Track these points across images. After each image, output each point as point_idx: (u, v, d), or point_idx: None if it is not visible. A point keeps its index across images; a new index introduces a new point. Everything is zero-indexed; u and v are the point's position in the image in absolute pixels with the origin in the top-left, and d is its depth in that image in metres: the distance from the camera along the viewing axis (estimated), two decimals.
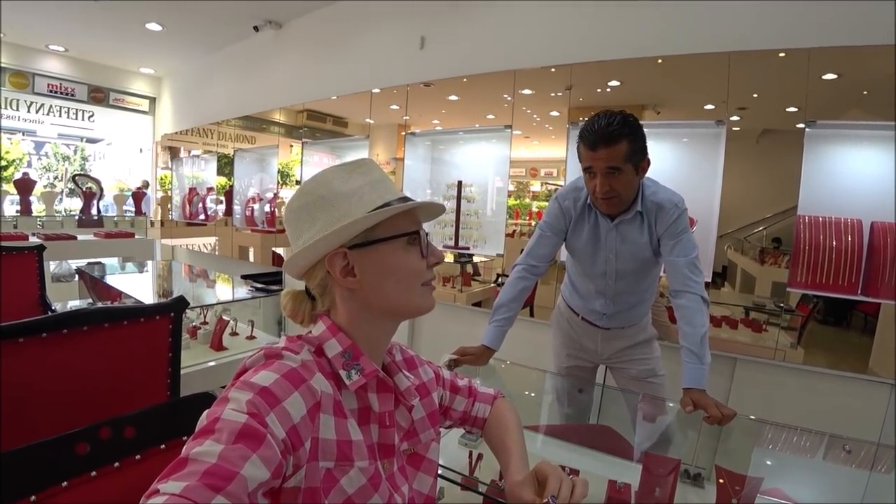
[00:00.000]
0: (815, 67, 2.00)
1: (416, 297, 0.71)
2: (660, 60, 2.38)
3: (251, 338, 2.58)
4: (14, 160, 5.71)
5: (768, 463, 1.37)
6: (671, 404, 1.51)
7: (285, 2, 4.07)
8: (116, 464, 0.77)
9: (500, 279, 3.11)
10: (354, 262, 0.68)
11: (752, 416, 1.41)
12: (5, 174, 5.56)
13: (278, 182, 4.61)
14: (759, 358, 2.13)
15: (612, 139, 1.31)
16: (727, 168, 2.23)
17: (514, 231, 3.13)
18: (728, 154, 2.23)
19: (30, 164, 6.17)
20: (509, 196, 3.11)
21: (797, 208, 2.05)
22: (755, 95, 2.20)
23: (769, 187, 2.21)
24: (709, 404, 1.21)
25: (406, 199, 0.69)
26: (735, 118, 2.22)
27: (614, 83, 2.58)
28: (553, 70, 2.74)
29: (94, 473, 0.74)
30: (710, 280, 2.27)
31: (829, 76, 1.99)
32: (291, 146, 4.51)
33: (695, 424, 1.30)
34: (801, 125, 2.04)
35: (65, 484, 0.70)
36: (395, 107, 3.56)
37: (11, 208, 5.00)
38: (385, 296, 0.69)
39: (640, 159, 1.38)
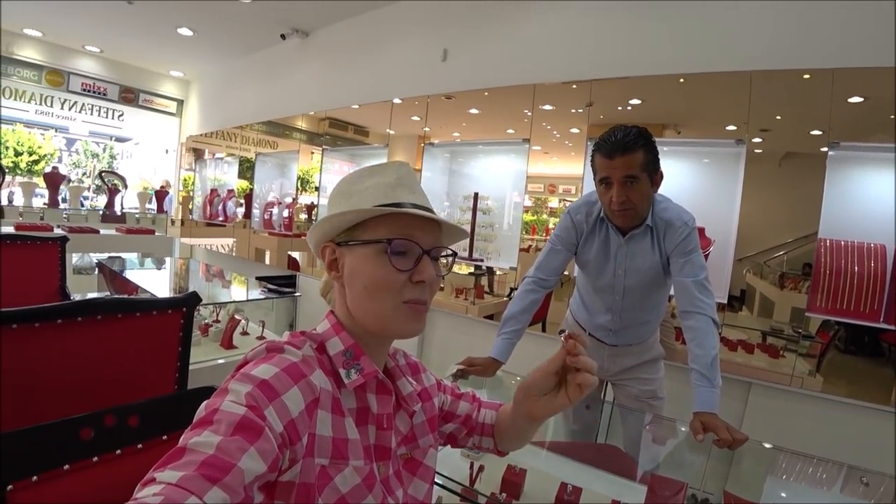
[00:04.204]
0: (840, 90, 1.97)
1: (389, 312, 0.65)
2: (682, 80, 2.37)
3: (261, 338, 2.60)
4: (45, 155, 5.90)
5: (783, 494, 1.33)
6: (683, 429, 1.47)
7: (312, 11, 4.16)
8: (118, 451, 0.77)
9: (512, 293, 3.09)
10: (340, 257, 0.69)
11: (766, 444, 1.37)
12: (36, 168, 5.74)
13: (297, 188, 4.67)
14: (776, 384, 2.08)
15: (629, 148, 1.32)
16: (748, 190, 2.20)
17: (530, 246, 3.11)
18: (750, 176, 2.20)
19: (60, 160, 6.36)
20: (526, 211, 3.10)
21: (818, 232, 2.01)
22: (778, 117, 2.17)
23: (791, 211, 2.17)
24: (719, 427, 1.18)
25: (425, 209, 0.66)
26: (757, 140, 2.19)
27: (635, 101, 2.57)
28: (574, 87, 2.75)
29: (95, 459, 0.74)
30: (725, 302, 2.23)
31: (856, 99, 1.96)
32: (312, 153, 4.58)
33: (704, 448, 1.26)
34: (825, 149, 2.01)
35: (67, 467, 0.71)
36: (416, 118, 3.59)
37: (39, 200, 5.14)
38: (358, 301, 0.67)
39: (654, 171, 1.39)
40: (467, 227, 3.30)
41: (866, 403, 1.91)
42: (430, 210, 0.68)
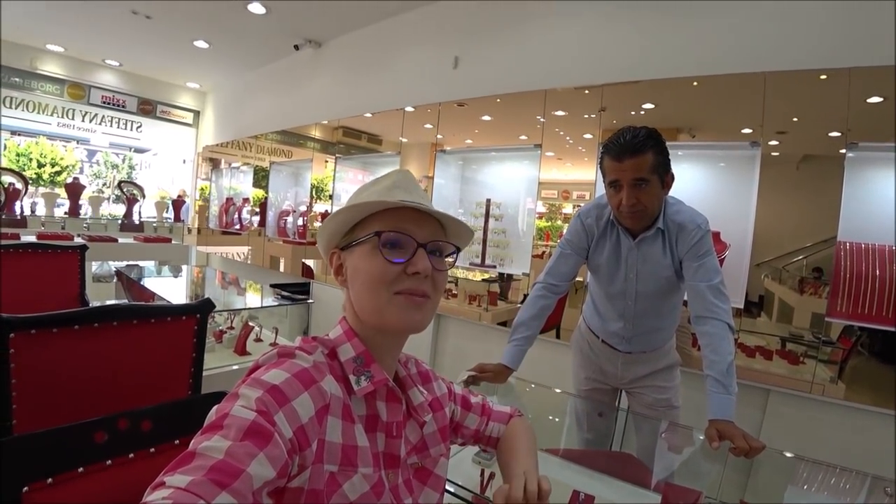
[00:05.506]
0: (858, 89, 1.93)
1: (383, 304, 0.65)
2: (695, 83, 2.35)
3: (274, 345, 2.60)
4: (67, 166, 6.05)
5: None
6: (700, 437, 1.45)
7: (325, 22, 4.22)
8: (131, 455, 0.78)
9: (525, 299, 3.06)
10: (343, 261, 0.71)
11: (787, 453, 1.33)
12: (58, 179, 5.89)
13: (311, 196, 4.72)
14: (795, 391, 2.02)
15: (638, 150, 1.30)
16: (764, 194, 2.16)
17: (543, 252, 3.09)
18: (767, 180, 2.16)
19: (81, 171, 6.51)
20: (540, 217, 3.08)
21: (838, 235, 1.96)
22: (795, 119, 2.13)
23: (810, 215, 2.12)
24: (735, 435, 1.15)
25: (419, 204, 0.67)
26: (774, 142, 2.16)
27: (648, 105, 2.54)
28: (586, 92, 2.73)
29: (109, 462, 0.75)
30: (742, 307, 2.19)
31: (875, 99, 1.92)
32: (326, 161, 4.62)
33: (721, 456, 1.24)
34: (844, 150, 1.96)
35: (81, 469, 0.72)
36: (428, 125, 3.60)
37: (60, 210, 5.27)
38: (359, 299, 0.68)
39: (665, 172, 1.36)
40: (479, 234, 3.29)
41: (890, 411, 1.85)
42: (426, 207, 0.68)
